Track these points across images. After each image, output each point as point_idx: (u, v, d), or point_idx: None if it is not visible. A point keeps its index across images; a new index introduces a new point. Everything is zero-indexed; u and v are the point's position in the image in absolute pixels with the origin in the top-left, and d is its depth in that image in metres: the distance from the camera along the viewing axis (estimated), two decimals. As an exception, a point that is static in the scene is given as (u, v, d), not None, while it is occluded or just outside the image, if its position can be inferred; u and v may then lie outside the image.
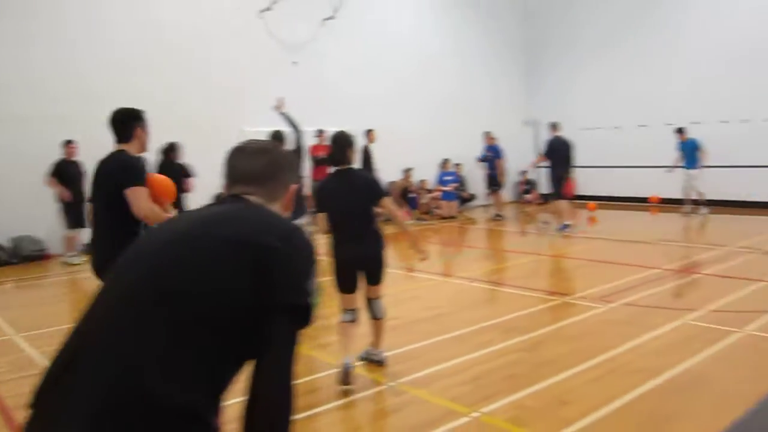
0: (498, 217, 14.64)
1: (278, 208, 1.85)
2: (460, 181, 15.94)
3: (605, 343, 5.24)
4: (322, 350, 5.34)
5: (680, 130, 14.13)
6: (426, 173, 15.63)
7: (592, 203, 15.41)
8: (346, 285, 4.67)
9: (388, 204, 4.64)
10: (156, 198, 3.87)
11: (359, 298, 4.71)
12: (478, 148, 15.46)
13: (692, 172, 13.89)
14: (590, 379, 4.45)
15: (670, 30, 16.11)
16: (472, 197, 16.59)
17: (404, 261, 10.07)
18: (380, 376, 4.65)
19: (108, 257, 2.64)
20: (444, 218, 14.81)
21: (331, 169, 4.77)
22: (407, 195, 15.13)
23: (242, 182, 1.82)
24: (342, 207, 4.60)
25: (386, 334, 4.92)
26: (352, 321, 4.68)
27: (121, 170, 3.78)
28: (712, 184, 14.30)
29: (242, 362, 1.55)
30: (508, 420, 3.86)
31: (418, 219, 14.64)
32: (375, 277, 4.69)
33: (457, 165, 16.18)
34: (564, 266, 8.86)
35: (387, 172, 14.87)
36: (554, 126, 12.04)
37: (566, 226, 11.69)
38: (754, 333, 5.40)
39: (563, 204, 11.91)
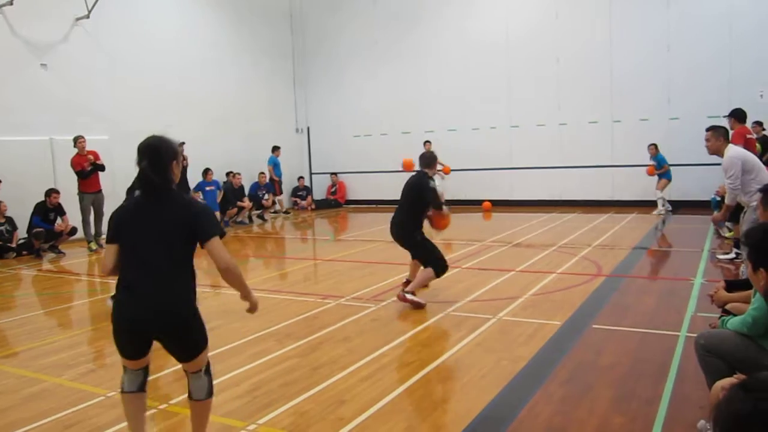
0: (286, 213, 16.71)
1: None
2: (222, 190, 15.22)
3: (377, 340, 5.42)
4: (80, 380, 4.83)
5: (427, 142, 15.58)
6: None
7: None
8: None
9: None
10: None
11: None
12: (258, 155, 15.58)
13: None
14: (365, 377, 4.56)
15: (425, 45, 17.37)
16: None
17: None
18: (150, 401, 4.30)
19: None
20: None
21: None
22: None
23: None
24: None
25: (155, 354, 4.57)
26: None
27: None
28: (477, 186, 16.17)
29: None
30: (286, 427, 3.80)
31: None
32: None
33: (234, 174, 15.56)
34: (338, 269, 9.04)
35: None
36: None
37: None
38: (505, 318, 5.97)
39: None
